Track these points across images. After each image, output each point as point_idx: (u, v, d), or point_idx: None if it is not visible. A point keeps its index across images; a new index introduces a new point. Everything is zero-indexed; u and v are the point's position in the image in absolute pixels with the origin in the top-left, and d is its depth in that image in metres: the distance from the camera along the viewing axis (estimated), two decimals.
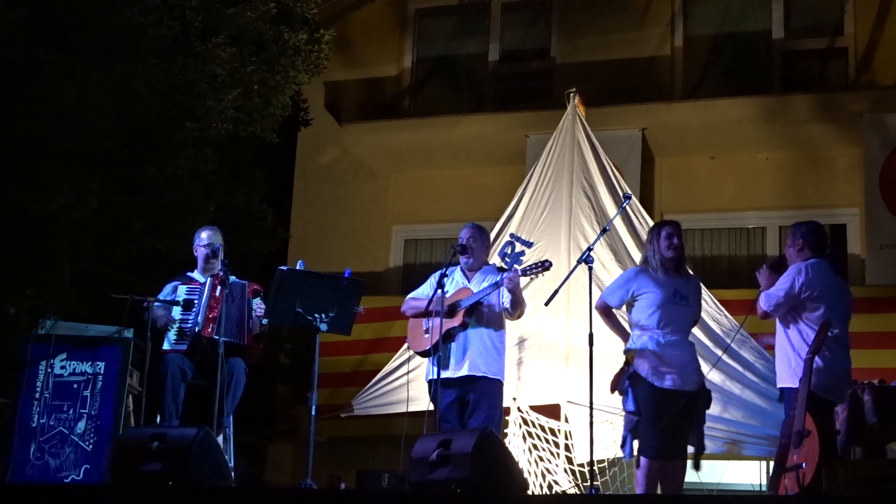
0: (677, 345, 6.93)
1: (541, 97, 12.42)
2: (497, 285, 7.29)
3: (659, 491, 6.92)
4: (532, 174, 9.80)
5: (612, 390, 7.04)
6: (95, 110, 9.20)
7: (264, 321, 7.48)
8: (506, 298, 7.37)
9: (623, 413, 7.08)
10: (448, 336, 7.29)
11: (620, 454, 7.16)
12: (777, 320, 6.93)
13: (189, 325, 7.63)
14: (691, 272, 7.33)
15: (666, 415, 6.72)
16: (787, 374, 6.74)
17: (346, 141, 12.66)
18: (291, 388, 11.58)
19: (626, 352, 7.02)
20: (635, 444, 6.94)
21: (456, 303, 7.35)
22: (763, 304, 6.84)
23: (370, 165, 12.82)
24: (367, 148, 12.62)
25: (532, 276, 7.44)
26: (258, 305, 7.73)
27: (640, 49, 12.26)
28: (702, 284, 7.67)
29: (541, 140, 10.51)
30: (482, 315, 7.39)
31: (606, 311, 7.21)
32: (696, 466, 7.03)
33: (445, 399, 7.28)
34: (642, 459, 6.84)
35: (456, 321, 7.33)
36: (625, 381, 6.93)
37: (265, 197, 11.48)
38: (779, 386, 6.89)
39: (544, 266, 7.35)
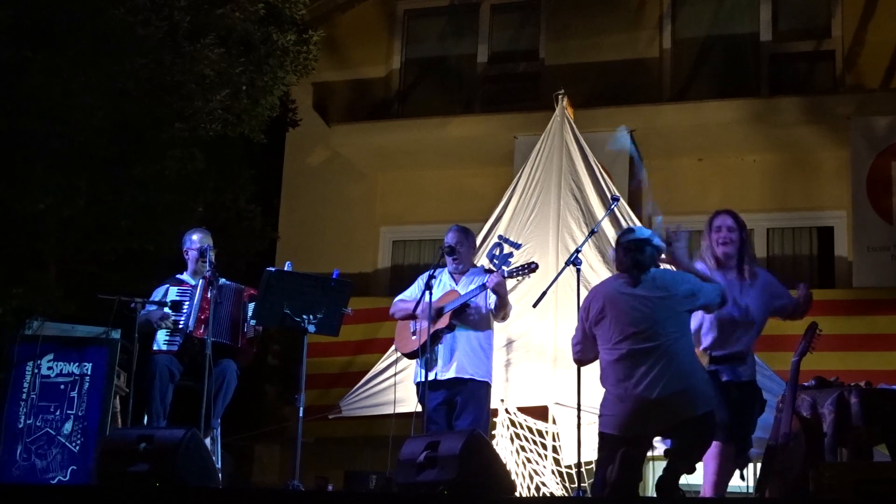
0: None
1: (529, 99, 12.42)
2: (483, 287, 7.30)
3: None
4: (520, 176, 9.80)
5: None
6: (83, 109, 9.16)
7: (252, 321, 7.48)
8: (491, 300, 7.38)
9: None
10: (435, 338, 7.29)
11: None
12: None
13: (181, 327, 7.62)
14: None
15: None
16: None
17: (334, 142, 12.63)
18: (279, 388, 11.54)
19: None
20: None
21: (442, 306, 7.36)
22: None
23: (358, 166, 12.80)
24: (356, 149, 12.59)
25: (518, 278, 7.45)
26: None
27: (629, 51, 12.26)
28: None
29: (529, 142, 10.50)
30: (469, 317, 7.39)
31: None
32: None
33: (433, 401, 7.28)
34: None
35: (443, 323, 7.33)
36: None
37: (253, 197, 11.45)
38: None
39: (530, 268, 7.37)
